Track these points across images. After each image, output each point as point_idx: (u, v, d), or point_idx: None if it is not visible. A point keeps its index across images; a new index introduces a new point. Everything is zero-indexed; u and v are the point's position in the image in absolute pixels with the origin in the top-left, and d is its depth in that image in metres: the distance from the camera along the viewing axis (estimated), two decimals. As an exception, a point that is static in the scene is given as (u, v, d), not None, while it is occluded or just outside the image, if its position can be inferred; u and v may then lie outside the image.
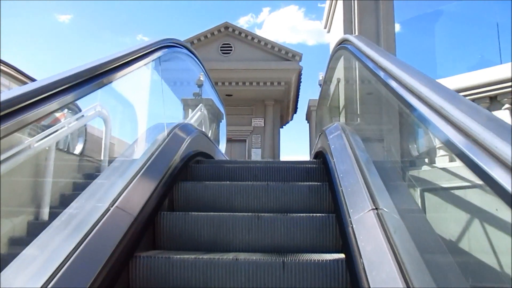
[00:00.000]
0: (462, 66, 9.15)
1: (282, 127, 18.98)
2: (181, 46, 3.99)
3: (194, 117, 5.08)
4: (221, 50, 14.43)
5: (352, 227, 1.78)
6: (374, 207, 1.76)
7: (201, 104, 5.40)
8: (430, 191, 2.94)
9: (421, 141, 3.73)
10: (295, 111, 18.55)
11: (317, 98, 15.58)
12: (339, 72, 4.67)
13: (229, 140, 15.27)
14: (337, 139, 3.47)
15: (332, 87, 5.27)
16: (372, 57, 2.59)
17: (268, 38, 14.66)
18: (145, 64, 2.94)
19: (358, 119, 4.85)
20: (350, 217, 1.86)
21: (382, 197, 1.89)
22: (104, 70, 2.12)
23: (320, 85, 15.96)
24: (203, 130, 5.34)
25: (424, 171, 4.02)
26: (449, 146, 1.28)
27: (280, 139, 15.93)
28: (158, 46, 3.18)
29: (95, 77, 2.02)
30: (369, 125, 4.37)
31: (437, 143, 3.20)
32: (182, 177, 3.10)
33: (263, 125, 15.22)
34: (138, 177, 2.25)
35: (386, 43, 6.40)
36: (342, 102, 4.88)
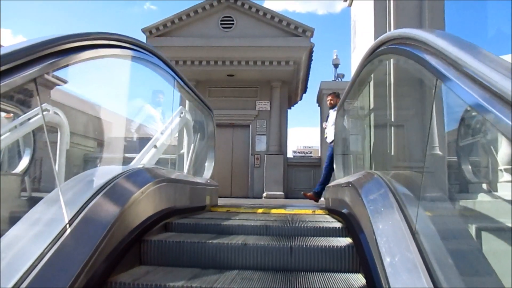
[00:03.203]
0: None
1: (290, 108, 17.35)
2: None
3: (150, 154, 3.55)
4: (221, 24, 12.66)
5: None
6: None
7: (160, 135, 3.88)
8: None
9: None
10: (304, 90, 16.85)
11: (330, 80, 13.93)
12: (380, 86, 3.11)
13: (230, 126, 13.78)
14: (387, 217, 1.98)
15: (365, 101, 3.68)
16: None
17: (275, 10, 12.84)
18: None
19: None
20: None
21: None
22: None
23: (334, 65, 14.27)
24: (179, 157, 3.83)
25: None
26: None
27: (288, 123, 14.34)
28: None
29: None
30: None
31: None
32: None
33: (269, 109, 13.60)
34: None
35: (431, 20, 4.73)
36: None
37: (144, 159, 3.61)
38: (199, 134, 4.61)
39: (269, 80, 13.38)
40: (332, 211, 3.56)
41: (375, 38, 4.86)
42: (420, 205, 2.03)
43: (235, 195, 13.28)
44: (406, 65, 2.83)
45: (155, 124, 5.08)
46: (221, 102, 13.56)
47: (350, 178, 2.98)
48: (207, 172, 4.66)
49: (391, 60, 3.21)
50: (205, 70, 12.77)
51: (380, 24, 4.79)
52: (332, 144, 6.97)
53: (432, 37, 1.56)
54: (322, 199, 7.23)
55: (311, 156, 33.89)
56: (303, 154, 34.91)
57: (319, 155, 25.09)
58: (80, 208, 1.82)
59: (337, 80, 13.55)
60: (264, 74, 12.98)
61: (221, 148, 13.60)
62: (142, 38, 12.24)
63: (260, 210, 4.04)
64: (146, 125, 5.80)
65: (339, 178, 4.60)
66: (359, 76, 3.32)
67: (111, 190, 2.12)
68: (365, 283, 1.88)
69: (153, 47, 2.79)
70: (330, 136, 7.19)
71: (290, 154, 28.16)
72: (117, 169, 2.56)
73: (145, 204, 2.39)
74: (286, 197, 12.81)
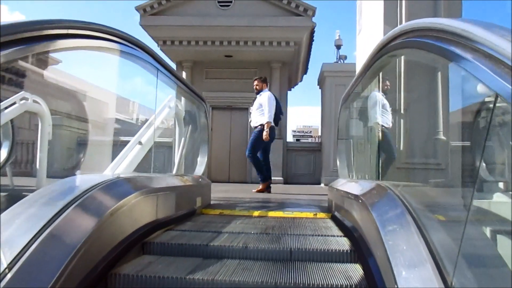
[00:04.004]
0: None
1: (290, 90, 16.87)
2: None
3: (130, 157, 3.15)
4: (219, 2, 12.06)
5: None
6: None
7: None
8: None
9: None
10: (305, 71, 16.34)
11: (332, 62, 13.42)
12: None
13: (228, 108, 13.34)
14: (408, 244, 1.63)
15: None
16: None
17: (276, -12, 12.21)
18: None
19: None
20: None
21: None
22: None
23: (336, 46, 13.73)
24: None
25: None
26: None
27: (288, 103, 13.85)
28: None
29: None
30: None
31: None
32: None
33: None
34: None
35: (448, 9, 4.27)
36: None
37: (126, 159, 3.23)
38: (190, 126, 4.21)
39: (269, 61, 12.88)
40: (336, 219, 3.19)
41: (385, 22, 4.42)
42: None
43: (233, 180, 12.95)
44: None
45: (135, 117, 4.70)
46: (218, 84, 13.11)
47: (358, 188, 2.60)
48: (199, 168, 4.28)
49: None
50: (202, 51, 12.26)
51: (390, 7, 4.33)
52: (257, 129, 6.79)
53: (485, 33, 1.13)
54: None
55: (311, 135, 33.57)
56: (303, 133, 34.56)
57: (319, 134, 24.78)
58: (23, 248, 1.44)
59: (339, 61, 13.05)
60: (264, 55, 12.48)
61: (219, 132, 13.22)
62: (136, 16, 11.69)
63: (256, 213, 3.68)
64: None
65: (343, 176, 4.23)
66: (369, 68, 2.90)
67: (73, 213, 1.75)
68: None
69: (127, 34, 2.36)
70: (254, 120, 7.02)
71: (290, 135, 27.82)
72: (87, 181, 2.18)
73: (118, 224, 2.02)
74: (285, 182, 12.48)
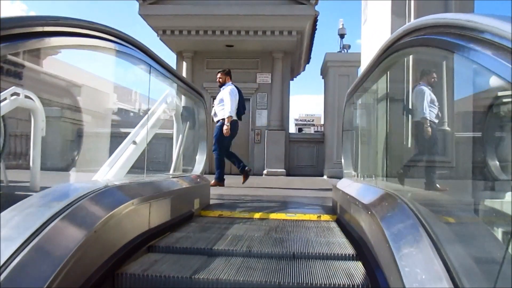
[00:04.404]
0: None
1: (292, 79, 16.63)
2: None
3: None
4: (219, -10, 11.77)
5: None
6: None
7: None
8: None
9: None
10: (308, 61, 16.07)
11: (335, 51, 13.14)
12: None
13: (230, 99, 13.09)
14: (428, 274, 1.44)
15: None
16: None
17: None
18: None
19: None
20: None
21: None
22: None
23: (339, 35, 13.44)
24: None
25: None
26: None
27: (290, 92, 13.59)
28: None
29: None
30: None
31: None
32: None
33: (270, 82, 12.90)
34: None
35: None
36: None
37: (118, 161, 3.05)
38: (188, 123, 4.02)
39: (271, 51, 12.62)
40: (341, 224, 3.02)
41: (393, 12, 4.19)
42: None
43: (234, 172, 12.75)
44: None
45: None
46: (220, 74, 12.87)
47: (366, 195, 2.41)
48: (198, 167, 4.11)
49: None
50: (202, 40, 12.01)
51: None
52: (218, 124, 6.72)
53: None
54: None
55: (314, 123, 33.34)
56: (305, 122, 34.36)
57: (322, 122, 24.54)
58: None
59: (342, 51, 12.77)
60: (265, 45, 12.22)
61: (220, 123, 13.02)
62: (135, 6, 11.42)
63: (257, 215, 3.51)
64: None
65: (348, 175, 4.05)
66: (376, 66, 2.69)
67: (60, 225, 1.59)
68: None
69: (117, 31, 2.17)
70: (218, 114, 6.89)
71: (292, 125, 27.54)
72: (77, 189, 2.02)
73: (108, 237, 1.85)
74: (288, 174, 12.32)
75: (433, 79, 4.09)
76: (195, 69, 12.90)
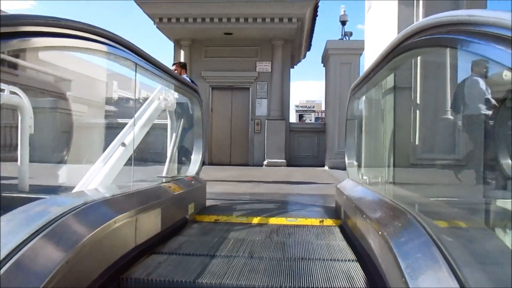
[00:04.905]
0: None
1: (293, 67, 16.31)
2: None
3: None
4: (217, -24, 11.40)
5: None
6: None
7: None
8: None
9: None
10: (308, 48, 15.72)
11: (337, 38, 12.80)
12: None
13: (229, 88, 12.83)
14: None
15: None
16: None
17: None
18: None
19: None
20: None
21: None
22: None
23: (341, 22, 13.07)
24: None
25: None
26: None
27: (291, 79, 13.24)
28: None
29: None
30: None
31: None
32: None
33: (270, 70, 12.60)
34: None
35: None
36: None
37: (105, 166, 2.83)
38: (182, 120, 3.79)
39: (270, 39, 12.29)
40: (345, 233, 2.81)
41: (400, 0, 3.92)
42: None
43: (234, 162, 12.58)
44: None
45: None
46: (218, 63, 12.59)
47: (373, 208, 2.19)
48: (193, 168, 3.88)
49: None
50: (200, 28, 11.68)
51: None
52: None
53: None
54: None
55: (314, 110, 33.03)
56: (306, 108, 34.05)
57: (322, 109, 24.19)
58: None
59: (344, 38, 12.42)
60: (265, 33, 11.89)
61: (220, 113, 12.78)
62: (130, -8, 11.07)
63: (255, 220, 3.30)
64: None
65: (352, 175, 3.82)
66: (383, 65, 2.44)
67: (38, 244, 1.39)
68: None
69: (99, 28, 1.92)
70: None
71: (292, 111, 27.16)
72: (59, 204, 1.81)
73: (91, 258, 1.64)
74: (288, 164, 12.11)
75: (484, 69, 3.88)
76: (193, 58, 12.60)
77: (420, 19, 3.92)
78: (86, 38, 1.88)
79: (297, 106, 33.61)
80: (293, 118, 26.34)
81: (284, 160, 12.09)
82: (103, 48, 2.03)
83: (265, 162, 12.14)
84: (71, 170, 5.74)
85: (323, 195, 5.06)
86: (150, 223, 2.39)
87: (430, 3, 3.90)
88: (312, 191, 5.74)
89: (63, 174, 5.31)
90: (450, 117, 4.95)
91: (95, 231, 1.73)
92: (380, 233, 1.79)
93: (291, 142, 12.61)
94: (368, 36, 5.82)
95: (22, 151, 4.44)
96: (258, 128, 12.51)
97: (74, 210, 1.78)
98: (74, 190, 2.47)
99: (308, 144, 12.67)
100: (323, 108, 22.92)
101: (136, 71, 2.49)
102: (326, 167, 11.59)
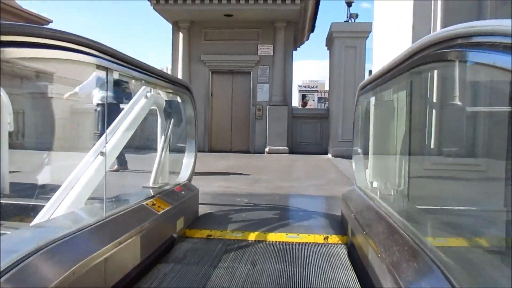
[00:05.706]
0: None
1: (296, 49, 15.78)
2: None
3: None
4: (216, -46, 10.83)
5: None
6: None
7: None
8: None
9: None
10: (312, 30, 15.15)
11: (342, 21, 12.24)
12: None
13: (229, 73, 12.38)
14: None
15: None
16: None
17: None
18: None
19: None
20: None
21: None
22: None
23: (346, 3, 12.48)
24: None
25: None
26: None
27: (293, 59, 12.74)
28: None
29: None
30: None
31: None
32: None
33: (271, 54, 12.11)
34: None
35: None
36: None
37: (78, 183, 2.47)
38: (172, 121, 3.41)
39: (273, 21, 11.77)
40: (353, 258, 2.47)
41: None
42: None
43: (235, 149, 12.22)
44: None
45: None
46: (218, 46, 12.10)
47: (389, 251, 1.84)
48: (184, 173, 3.52)
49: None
50: (199, 10, 11.16)
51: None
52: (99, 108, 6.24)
53: None
54: None
55: (317, 89, 32.54)
56: (309, 88, 33.61)
57: (325, 88, 23.67)
58: None
59: (349, 20, 11.87)
60: (267, 14, 11.36)
61: (220, 98, 12.36)
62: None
63: (252, 236, 2.96)
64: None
65: (360, 181, 3.45)
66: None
67: None
68: None
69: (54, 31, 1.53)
70: (95, 97, 6.44)
71: (295, 92, 26.60)
72: (26, 241, 1.49)
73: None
74: (291, 151, 11.74)
75: None
76: (192, 41, 12.11)
77: None
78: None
79: (300, 86, 33.12)
80: (295, 98, 25.82)
81: (286, 147, 11.73)
82: (65, 55, 1.65)
83: (266, 149, 11.79)
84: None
85: (327, 196, 4.71)
86: (127, 257, 2.05)
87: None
88: (315, 190, 5.39)
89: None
90: (459, 103, 4.55)
91: (76, 266, 1.40)
92: (393, 276, 1.45)
93: (294, 128, 12.21)
94: (377, 23, 5.35)
95: (1, 149, 4.08)
96: (259, 113, 12.11)
97: (22, 261, 1.43)
98: (31, 224, 2.11)
99: (311, 131, 12.27)
100: (326, 88, 22.40)
101: (107, 76, 2.10)
102: (329, 155, 11.23)
